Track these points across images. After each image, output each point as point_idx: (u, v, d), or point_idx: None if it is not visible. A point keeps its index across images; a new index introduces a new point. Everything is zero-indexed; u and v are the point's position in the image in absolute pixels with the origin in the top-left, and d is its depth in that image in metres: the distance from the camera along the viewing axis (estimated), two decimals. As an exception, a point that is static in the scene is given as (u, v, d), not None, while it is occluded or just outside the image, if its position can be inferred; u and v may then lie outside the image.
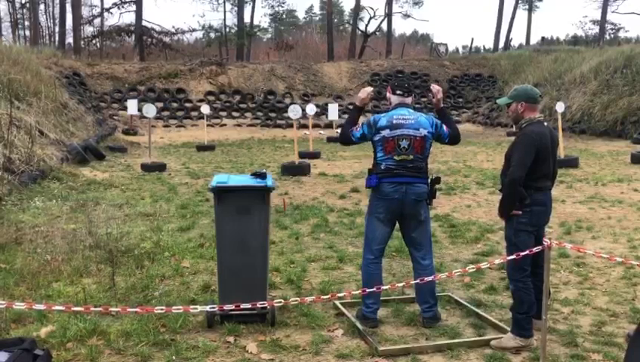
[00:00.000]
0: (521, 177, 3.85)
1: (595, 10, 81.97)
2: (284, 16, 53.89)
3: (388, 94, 4.52)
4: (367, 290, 4.01)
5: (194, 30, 49.83)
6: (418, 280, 4.09)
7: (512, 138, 4.53)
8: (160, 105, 25.82)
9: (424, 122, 4.34)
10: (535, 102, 4.08)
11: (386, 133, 4.28)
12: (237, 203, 4.27)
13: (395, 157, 4.26)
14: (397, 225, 4.50)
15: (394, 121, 4.29)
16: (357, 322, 4.32)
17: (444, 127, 4.43)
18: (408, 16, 46.75)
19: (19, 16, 47.12)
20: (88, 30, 43.69)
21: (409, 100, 4.47)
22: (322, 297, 3.89)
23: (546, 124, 4.06)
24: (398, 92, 4.45)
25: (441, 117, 4.53)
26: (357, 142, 4.48)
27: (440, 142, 4.52)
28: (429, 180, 4.38)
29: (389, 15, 42.20)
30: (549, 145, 4.02)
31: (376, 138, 4.33)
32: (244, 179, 4.46)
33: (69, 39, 40.37)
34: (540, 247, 3.69)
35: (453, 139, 4.48)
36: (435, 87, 4.63)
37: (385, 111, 4.50)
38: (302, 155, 14.81)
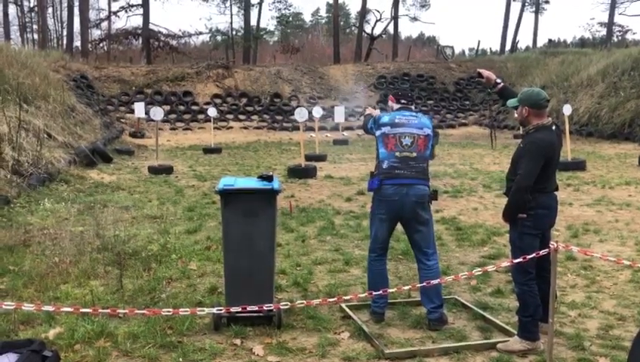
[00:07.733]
0: (528, 186, 3.86)
1: (602, 12, 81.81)
2: (290, 19, 53.86)
3: (390, 103, 4.64)
4: (374, 293, 4.05)
5: (201, 33, 50.08)
6: (424, 283, 4.11)
7: (519, 140, 4.51)
8: (167, 108, 25.87)
9: (427, 122, 4.48)
10: (539, 107, 3.97)
11: (386, 129, 4.39)
12: (244, 205, 4.28)
13: (397, 154, 4.35)
14: (402, 228, 4.56)
15: (396, 120, 4.41)
16: (363, 325, 4.33)
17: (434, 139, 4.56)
18: (415, 19, 46.71)
19: (27, 19, 47.44)
20: (96, 33, 44.01)
21: (412, 108, 4.61)
22: (329, 300, 3.90)
23: (554, 128, 4.01)
24: (402, 101, 4.59)
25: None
26: (368, 131, 4.65)
27: None
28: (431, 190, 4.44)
29: (395, 18, 42.17)
30: (557, 151, 4.02)
31: (378, 133, 4.46)
32: (251, 182, 4.48)
33: (77, 42, 40.70)
34: (547, 250, 3.69)
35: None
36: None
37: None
38: (308, 158, 14.82)
